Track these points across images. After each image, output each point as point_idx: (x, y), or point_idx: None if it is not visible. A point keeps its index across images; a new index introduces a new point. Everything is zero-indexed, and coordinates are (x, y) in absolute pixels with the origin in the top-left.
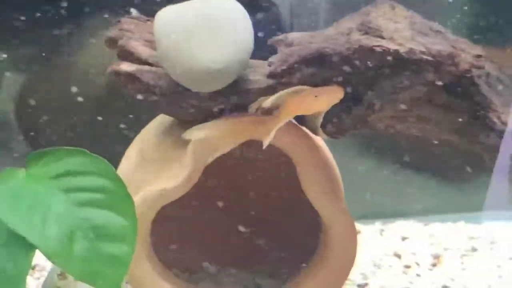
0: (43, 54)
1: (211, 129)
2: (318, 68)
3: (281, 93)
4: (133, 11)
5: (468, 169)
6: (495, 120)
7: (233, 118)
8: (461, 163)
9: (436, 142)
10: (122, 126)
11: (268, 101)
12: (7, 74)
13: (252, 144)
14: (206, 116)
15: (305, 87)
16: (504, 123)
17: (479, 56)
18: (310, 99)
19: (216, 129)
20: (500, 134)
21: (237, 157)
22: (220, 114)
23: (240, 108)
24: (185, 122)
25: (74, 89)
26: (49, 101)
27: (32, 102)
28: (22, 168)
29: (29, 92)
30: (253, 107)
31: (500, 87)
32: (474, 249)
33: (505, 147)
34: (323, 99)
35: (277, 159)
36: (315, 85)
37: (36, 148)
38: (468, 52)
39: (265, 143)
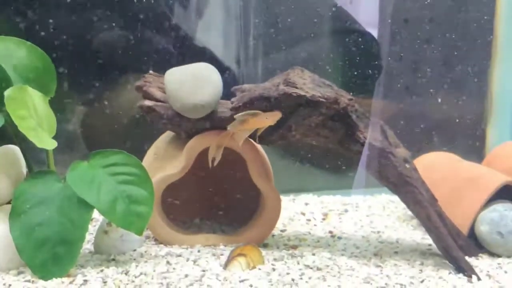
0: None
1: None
2: (260, 105)
3: (244, 113)
4: (151, 71)
5: (344, 164)
6: (360, 136)
7: (215, 132)
8: (340, 161)
9: (326, 148)
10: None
11: (238, 116)
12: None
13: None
14: (194, 132)
15: (259, 111)
16: (365, 138)
17: (351, 99)
18: (263, 118)
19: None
20: (363, 145)
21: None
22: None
23: (216, 128)
24: (181, 135)
25: (119, 116)
26: (102, 123)
27: (94, 123)
28: (85, 161)
29: (90, 117)
30: (231, 125)
31: (362, 117)
32: (346, 211)
33: (365, 152)
34: (270, 118)
35: (237, 157)
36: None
37: (93, 149)
38: (345, 97)
39: (240, 144)
